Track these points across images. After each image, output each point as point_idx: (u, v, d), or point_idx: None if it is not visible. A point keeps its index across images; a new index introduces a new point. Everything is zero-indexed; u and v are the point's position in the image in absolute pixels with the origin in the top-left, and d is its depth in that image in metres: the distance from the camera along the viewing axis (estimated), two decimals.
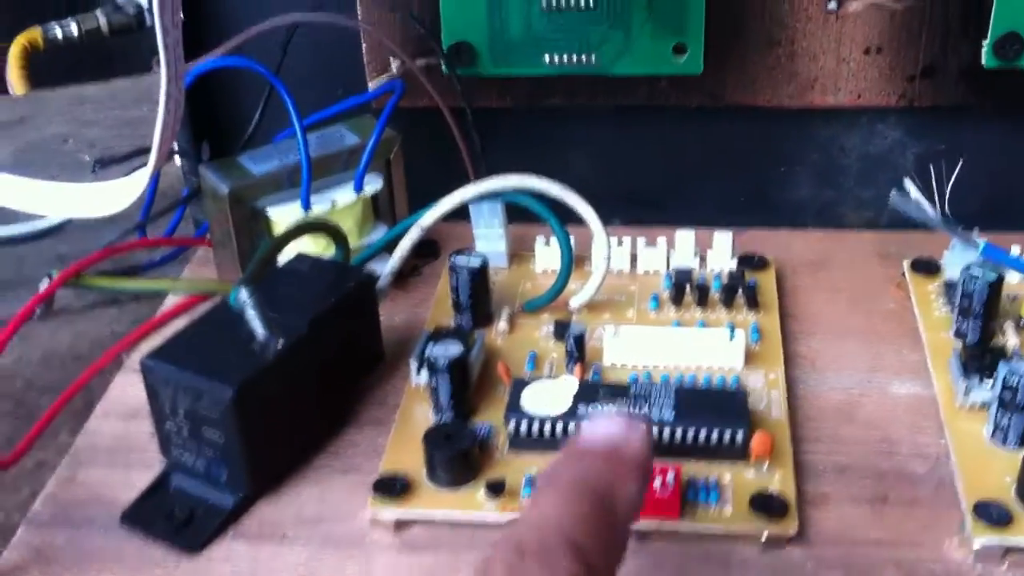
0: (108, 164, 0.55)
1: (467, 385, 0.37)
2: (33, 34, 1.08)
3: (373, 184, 0.44)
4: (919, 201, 0.38)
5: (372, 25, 0.46)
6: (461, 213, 0.44)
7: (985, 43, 0.43)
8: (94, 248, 0.49)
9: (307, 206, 0.42)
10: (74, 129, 0.65)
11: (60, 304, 0.48)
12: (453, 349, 0.37)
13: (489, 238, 0.45)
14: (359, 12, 0.46)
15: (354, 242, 0.43)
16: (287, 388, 0.35)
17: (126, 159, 0.52)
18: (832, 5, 0.44)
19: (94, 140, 0.64)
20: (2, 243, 0.54)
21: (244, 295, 0.32)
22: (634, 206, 0.49)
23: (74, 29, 1.11)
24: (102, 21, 1.10)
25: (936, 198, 0.41)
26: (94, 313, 0.48)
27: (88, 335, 0.47)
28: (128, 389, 0.40)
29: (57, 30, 1.13)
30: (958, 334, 0.40)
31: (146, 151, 0.39)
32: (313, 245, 0.42)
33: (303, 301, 0.37)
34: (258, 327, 0.34)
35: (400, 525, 0.34)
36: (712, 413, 0.35)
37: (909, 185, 0.39)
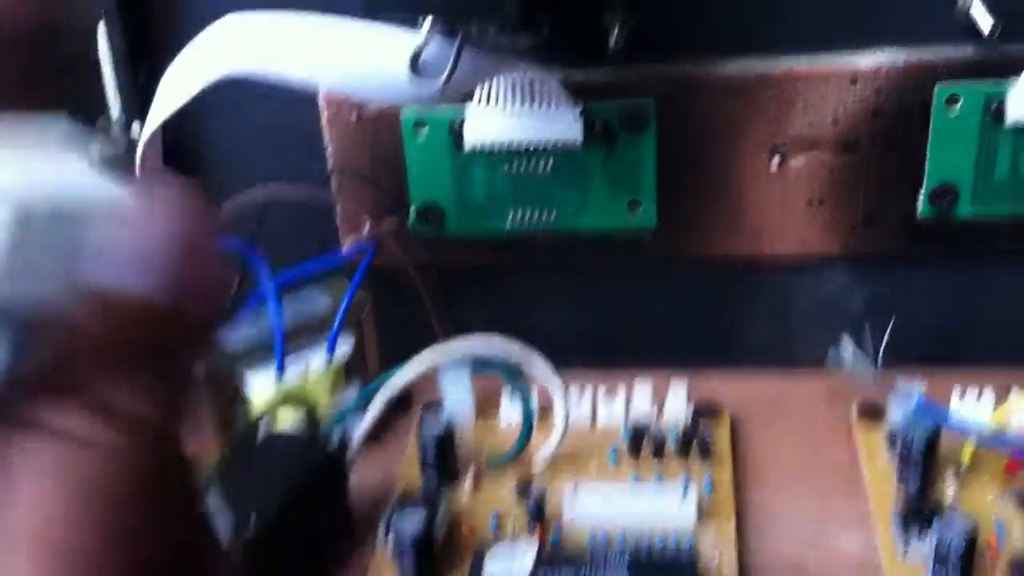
0: None
1: (432, 555, 0.39)
2: None
3: (344, 347, 0.46)
4: (855, 359, 0.41)
5: (345, 194, 0.49)
6: None
7: (921, 194, 0.46)
8: None
9: (281, 373, 0.44)
10: None
11: None
12: (417, 521, 0.39)
13: (456, 393, 0.47)
14: (332, 183, 0.49)
15: (326, 403, 0.46)
16: (256, 570, 0.37)
17: None
18: (775, 161, 0.46)
19: None
20: None
21: (210, 500, 0.35)
22: (595, 349, 0.52)
23: None
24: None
25: (875, 346, 0.43)
26: None
27: None
28: None
29: None
30: (900, 484, 0.42)
31: None
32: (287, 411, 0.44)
33: (272, 482, 0.39)
34: (222, 529, 0.36)
35: None
36: None
37: (846, 342, 0.41)
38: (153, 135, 0.40)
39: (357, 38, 0.37)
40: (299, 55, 0.37)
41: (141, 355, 0.19)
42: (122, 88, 0.48)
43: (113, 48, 0.48)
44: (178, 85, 0.39)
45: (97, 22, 0.47)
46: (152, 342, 0.19)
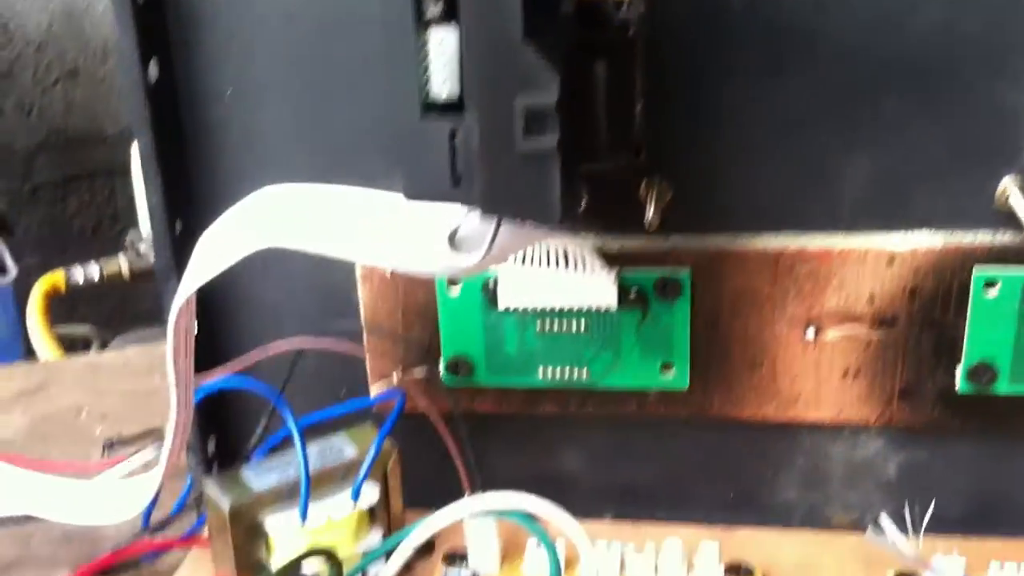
0: (117, 446, 0.57)
1: None
2: (55, 279, 1.13)
3: (369, 495, 0.46)
4: (894, 539, 0.40)
5: (375, 344, 0.49)
6: None
7: (959, 369, 0.46)
8: (100, 529, 0.51)
9: (305, 518, 0.44)
10: (89, 399, 0.68)
11: None
12: None
13: (481, 544, 0.46)
14: (364, 338, 0.49)
15: (349, 550, 0.45)
16: None
17: (136, 439, 0.54)
18: (810, 334, 0.46)
19: (107, 412, 0.66)
20: (10, 521, 0.55)
21: None
22: (624, 502, 0.51)
23: (95, 273, 1.16)
24: (123, 266, 1.15)
25: (912, 519, 0.42)
26: None
27: None
28: None
29: (79, 274, 1.18)
30: None
31: (154, 432, 0.41)
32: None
33: None
34: None
35: None
36: None
37: (884, 522, 0.40)
38: (187, 301, 0.40)
39: (395, 213, 0.37)
40: (336, 230, 0.37)
41: None
42: (152, 193, 0.47)
43: (143, 151, 0.47)
44: (212, 254, 0.39)
45: None
46: None
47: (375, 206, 0.37)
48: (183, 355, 0.41)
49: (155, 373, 0.67)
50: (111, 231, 1.16)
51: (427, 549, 0.49)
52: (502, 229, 0.36)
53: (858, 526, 0.50)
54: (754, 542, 0.49)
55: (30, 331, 1.04)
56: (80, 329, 1.19)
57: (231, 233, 0.39)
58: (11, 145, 1.38)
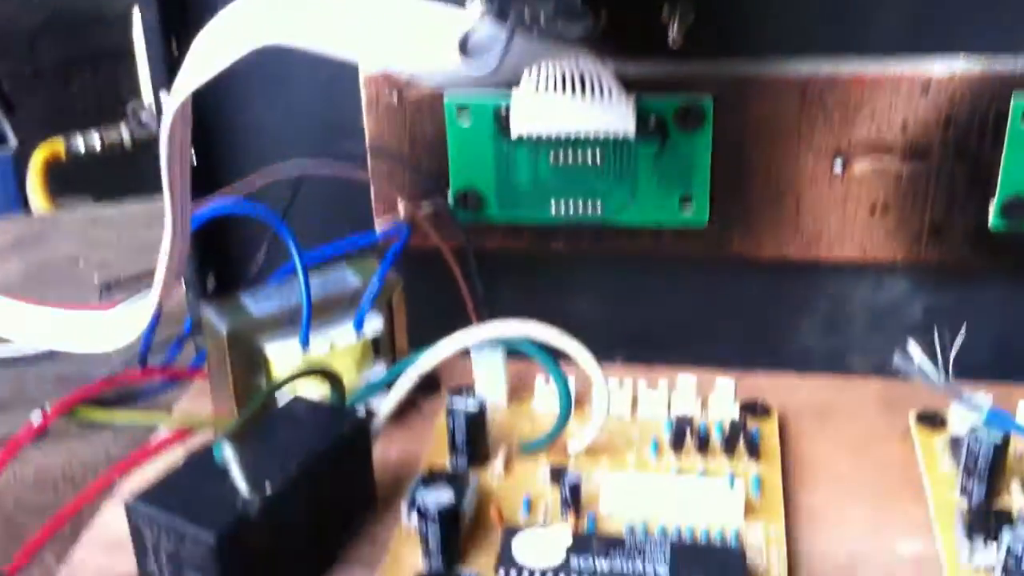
0: (113, 288, 0.56)
1: (457, 533, 0.36)
2: (55, 146, 1.11)
3: (373, 325, 0.44)
4: (922, 365, 0.38)
5: (381, 173, 0.47)
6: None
7: (992, 205, 0.44)
8: (93, 370, 0.49)
9: (306, 347, 0.42)
10: (87, 250, 0.66)
11: (56, 425, 0.48)
12: (444, 496, 0.36)
13: (489, 378, 0.44)
14: (369, 164, 0.47)
15: (352, 380, 0.43)
16: (274, 533, 0.34)
17: (134, 280, 0.52)
18: (837, 166, 0.44)
19: (106, 262, 0.64)
20: (4, 362, 0.54)
21: (228, 452, 0.32)
22: (637, 346, 0.49)
23: (96, 142, 1.14)
24: (124, 135, 1.13)
25: (940, 355, 0.40)
26: (89, 435, 0.48)
27: (82, 458, 0.47)
28: (115, 519, 0.40)
29: (80, 142, 1.16)
30: (963, 492, 0.39)
31: (152, 274, 0.40)
32: (311, 383, 0.41)
33: (295, 445, 0.36)
34: (241, 485, 0.33)
35: None
36: (708, 572, 0.34)
37: (912, 347, 0.38)
38: (182, 106, 0.38)
39: (404, 12, 0.34)
40: (341, 28, 0.35)
41: None
42: (154, 64, 0.46)
43: (146, 23, 0.46)
44: (208, 55, 0.36)
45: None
46: None
47: (384, 5, 0.35)
48: (178, 169, 0.39)
49: (156, 226, 0.65)
50: (114, 113, 1.13)
51: (433, 387, 0.47)
52: (515, 40, 0.34)
53: (880, 371, 0.49)
54: (771, 385, 0.47)
55: (30, 198, 1.02)
56: (80, 199, 1.17)
57: (229, 29, 0.36)
58: (13, 27, 1.35)
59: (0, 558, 0.39)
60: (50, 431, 0.47)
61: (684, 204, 0.46)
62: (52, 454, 0.47)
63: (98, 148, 1.02)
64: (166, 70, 0.46)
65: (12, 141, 1.17)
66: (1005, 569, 0.34)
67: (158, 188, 0.38)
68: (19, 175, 1.11)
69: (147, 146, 0.45)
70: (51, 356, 0.54)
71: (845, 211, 0.45)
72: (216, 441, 0.35)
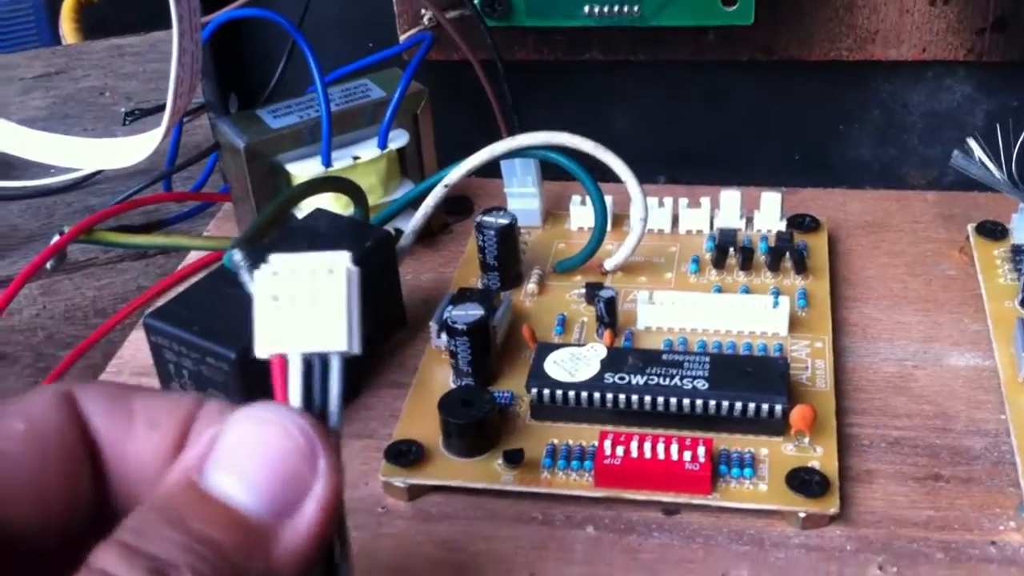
0: (139, 117, 0.54)
1: (488, 350, 0.35)
2: None
3: (398, 140, 0.42)
4: (984, 161, 0.35)
5: None
6: (496, 169, 0.42)
7: None
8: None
9: (327, 162, 0.40)
10: (112, 81, 0.64)
11: (86, 257, 0.47)
12: (474, 312, 0.34)
13: (522, 196, 0.42)
14: None
15: (378, 198, 0.42)
16: None
17: (158, 110, 0.50)
18: None
19: (131, 93, 0.63)
20: (33, 194, 0.53)
21: (238, 257, 0.31)
22: (680, 165, 0.47)
23: None
24: None
25: (1004, 159, 0.37)
26: (120, 267, 0.47)
27: (112, 289, 0.46)
28: (142, 345, 0.39)
29: None
30: None
31: None
32: (335, 203, 0.40)
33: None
34: (251, 291, 0.32)
35: (414, 492, 0.32)
36: (749, 383, 0.33)
37: (973, 145, 0.36)
38: None
39: None
40: None
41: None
42: None
43: None
44: None
45: None
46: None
47: None
48: None
49: None
50: None
51: (466, 209, 0.46)
52: None
53: (938, 185, 0.46)
54: (821, 200, 0.45)
55: (62, 39, 1.00)
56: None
57: None
58: None
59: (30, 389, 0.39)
60: (80, 265, 0.47)
61: (728, 3, 0.42)
62: (83, 287, 0.46)
63: None
64: None
65: None
66: None
67: None
68: (52, 21, 1.09)
69: None
70: (80, 187, 0.53)
71: (902, 4, 0.42)
72: (227, 251, 0.33)
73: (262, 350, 0.20)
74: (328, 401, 0.20)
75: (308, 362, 0.20)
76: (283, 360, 0.20)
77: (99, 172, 0.52)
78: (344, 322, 0.20)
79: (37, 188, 0.53)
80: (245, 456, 0.19)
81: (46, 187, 0.52)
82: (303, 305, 0.20)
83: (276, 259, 0.20)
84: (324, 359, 0.20)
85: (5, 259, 0.48)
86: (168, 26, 0.38)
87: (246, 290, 0.32)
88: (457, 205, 0.45)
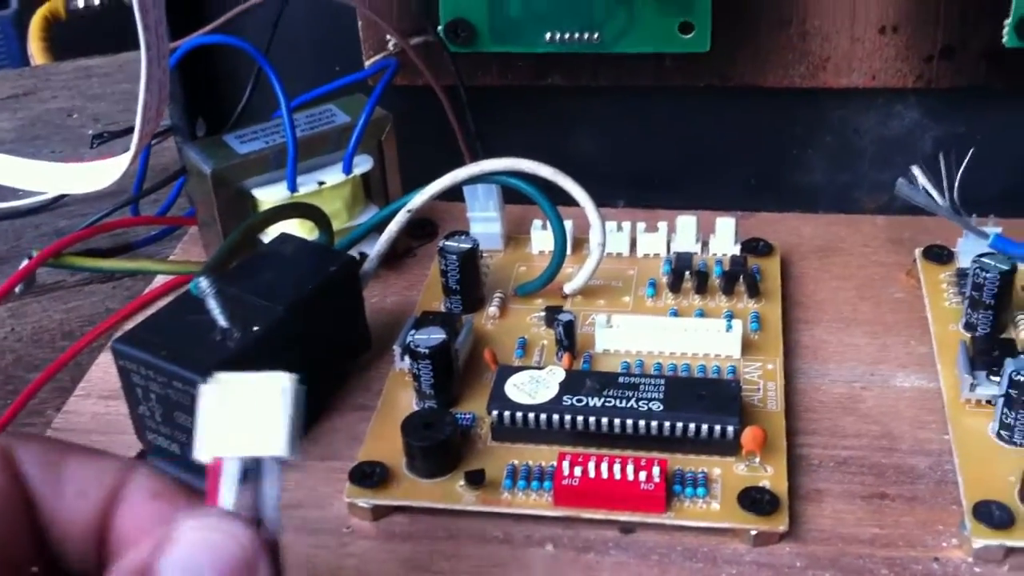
0: (108, 139, 0.55)
1: (450, 373, 0.36)
2: (54, 3, 1.08)
3: (363, 165, 0.43)
4: (927, 189, 0.37)
5: (366, 5, 0.45)
6: (459, 192, 0.43)
7: (1007, 23, 0.41)
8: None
9: (293, 187, 0.41)
10: (80, 103, 0.64)
11: (54, 279, 0.48)
12: (437, 336, 0.35)
13: (484, 221, 0.43)
14: None
15: (343, 223, 0.42)
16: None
17: (126, 133, 0.51)
18: None
19: (99, 114, 0.63)
20: (1, 216, 0.53)
21: (204, 284, 0.31)
22: (639, 188, 0.48)
23: None
24: None
25: (946, 184, 0.39)
26: (88, 289, 0.48)
27: (80, 311, 0.47)
28: (110, 369, 0.39)
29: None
30: (967, 326, 0.38)
31: None
32: (301, 227, 0.41)
33: (283, 284, 0.35)
34: (218, 317, 0.33)
35: (379, 512, 0.33)
36: (702, 405, 0.34)
37: (917, 172, 0.37)
38: None
39: None
40: None
41: None
42: None
43: None
44: None
45: None
46: None
47: None
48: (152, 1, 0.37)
49: None
50: None
51: (429, 233, 0.47)
52: None
53: (888, 210, 0.47)
54: (775, 224, 0.46)
55: (30, 57, 1.00)
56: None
57: None
58: None
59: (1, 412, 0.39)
60: (47, 288, 0.47)
61: (684, 30, 0.43)
62: (51, 310, 0.47)
63: (97, 3, 0.99)
64: None
65: (13, 2, 1.14)
66: (1008, 400, 0.33)
67: None
68: (21, 39, 1.09)
69: None
70: (48, 209, 0.53)
71: (853, 32, 0.43)
72: (194, 279, 0.34)
73: (202, 454, 0.21)
74: (265, 507, 0.21)
75: (245, 466, 0.21)
76: (220, 463, 0.21)
77: (64, 196, 0.53)
78: (284, 431, 0.21)
79: (5, 210, 0.53)
80: (198, 564, 0.20)
81: (14, 209, 0.53)
82: (245, 416, 0.21)
83: (222, 377, 0.22)
84: (260, 463, 0.21)
85: None
86: (136, 46, 0.38)
87: (212, 316, 0.33)
88: (420, 228, 0.46)
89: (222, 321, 0.33)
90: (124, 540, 0.22)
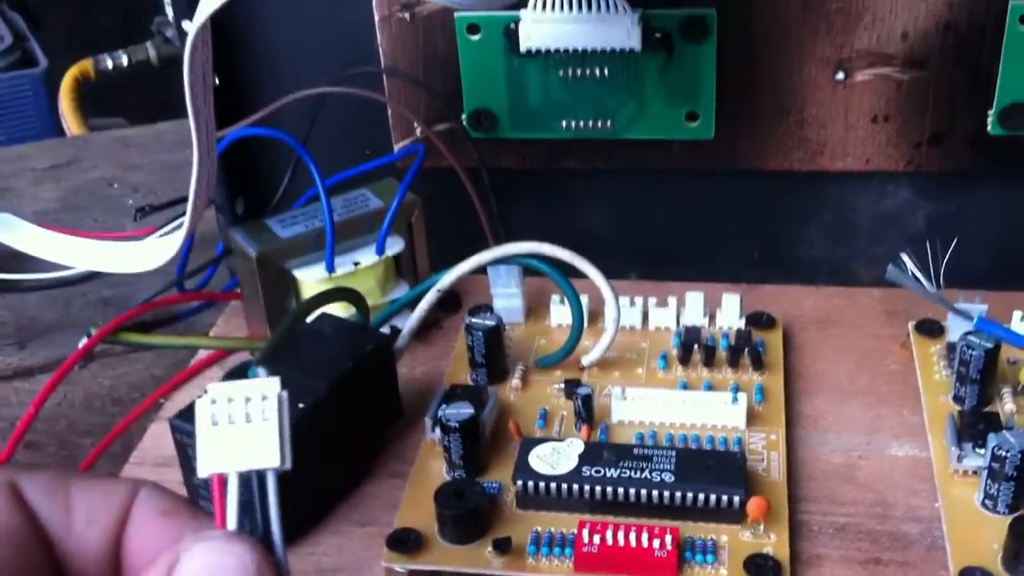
0: (149, 213, 0.58)
1: (478, 444, 0.39)
2: (84, 65, 1.12)
3: (395, 246, 0.46)
4: (915, 275, 0.40)
5: (397, 94, 0.48)
6: (482, 268, 0.46)
7: (991, 112, 0.45)
8: (135, 293, 0.52)
9: (331, 268, 0.44)
10: (119, 172, 0.68)
11: (101, 349, 0.51)
12: (465, 410, 0.38)
13: (506, 297, 0.46)
14: (385, 85, 0.48)
15: (376, 300, 0.46)
16: (308, 448, 0.37)
17: (167, 206, 0.54)
18: (840, 76, 0.45)
19: (138, 184, 0.67)
20: (51, 286, 0.56)
21: (261, 373, 0.34)
22: (649, 261, 0.51)
23: (124, 60, 1.16)
24: (151, 52, 1.15)
25: (932, 270, 0.42)
26: (132, 356, 0.51)
27: (127, 378, 0.50)
28: (162, 437, 0.42)
29: (108, 61, 1.18)
30: (956, 399, 0.41)
31: (186, 200, 0.42)
32: (338, 305, 0.44)
33: (324, 363, 0.39)
34: None
35: None
36: (710, 476, 0.37)
37: (906, 259, 0.40)
38: (201, 29, 0.39)
39: None
40: None
41: None
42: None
43: None
44: None
45: None
46: None
47: None
48: (201, 96, 0.40)
49: (185, 147, 0.67)
50: (139, 30, 1.14)
51: (455, 307, 0.50)
52: None
53: (883, 282, 0.50)
54: (777, 296, 0.49)
55: (62, 119, 1.04)
56: (112, 121, 1.20)
57: None
58: None
59: None
60: (96, 355, 0.50)
61: (690, 119, 0.47)
62: (100, 376, 0.50)
63: (126, 65, 1.03)
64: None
65: (43, 61, 1.18)
66: (990, 471, 0.36)
67: (185, 108, 0.39)
68: (51, 96, 1.13)
69: (174, 63, 0.46)
70: (95, 279, 0.57)
71: (847, 121, 0.47)
72: (251, 365, 0.37)
73: (203, 470, 0.22)
74: (270, 526, 0.22)
75: (247, 481, 0.22)
76: (222, 479, 0.22)
77: None
78: (277, 441, 0.22)
79: (54, 280, 0.56)
80: None
81: (63, 279, 0.56)
82: (239, 429, 0.22)
83: (214, 388, 0.23)
84: (261, 476, 0.22)
85: (27, 349, 0.52)
86: (170, 116, 0.42)
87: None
88: (446, 301, 0.49)
89: None
90: (136, 562, 0.22)
